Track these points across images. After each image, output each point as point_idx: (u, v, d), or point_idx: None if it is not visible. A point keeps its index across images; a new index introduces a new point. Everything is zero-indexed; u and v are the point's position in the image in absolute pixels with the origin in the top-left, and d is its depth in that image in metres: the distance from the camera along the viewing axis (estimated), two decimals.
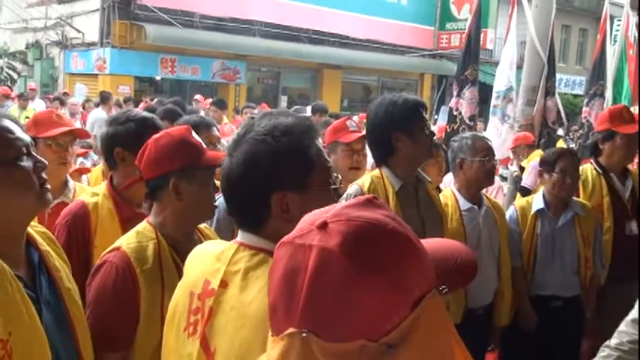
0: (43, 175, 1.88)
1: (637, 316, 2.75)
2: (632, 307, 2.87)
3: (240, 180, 1.64)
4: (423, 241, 1.02)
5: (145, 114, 3.00)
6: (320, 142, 1.74)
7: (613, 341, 2.80)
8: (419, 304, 0.93)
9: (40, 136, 3.15)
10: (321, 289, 0.90)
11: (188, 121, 3.78)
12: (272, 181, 1.62)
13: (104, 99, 13.14)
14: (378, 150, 3.24)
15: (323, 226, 0.95)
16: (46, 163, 1.91)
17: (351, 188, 3.21)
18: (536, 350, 4.07)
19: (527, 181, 6.55)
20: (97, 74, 21.06)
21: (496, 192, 6.33)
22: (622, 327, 2.80)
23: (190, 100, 14.70)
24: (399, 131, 3.10)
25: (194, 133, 2.42)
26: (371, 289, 0.90)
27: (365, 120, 3.55)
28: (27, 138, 1.86)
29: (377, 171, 3.23)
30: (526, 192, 6.19)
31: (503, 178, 7.09)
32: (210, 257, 1.71)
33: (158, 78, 22.29)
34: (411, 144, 3.10)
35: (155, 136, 2.37)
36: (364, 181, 3.21)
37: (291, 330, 0.92)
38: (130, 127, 2.78)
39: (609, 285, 4.21)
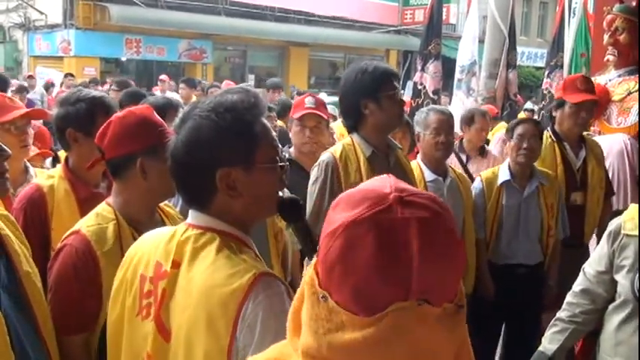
0: (6, 164, 1.90)
1: (585, 286, 2.80)
2: (576, 273, 2.94)
3: (184, 157, 1.66)
4: None
5: (96, 93, 2.93)
6: (265, 119, 1.74)
7: (564, 314, 2.86)
8: None
9: None
10: (432, 258, 0.93)
11: (154, 102, 3.77)
12: (215, 157, 1.63)
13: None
14: (349, 117, 3.29)
15: (400, 200, 0.98)
16: (10, 152, 1.91)
17: (324, 155, 3.25)
18: (501, 317, 4.18)
19: (493, 152, 6.63)
20: (62, 56, 20.83)
21: (451, 162, 6.37)
22: (570, 299, 2.85)
23: (156, 80, 14.69)
24: (366, 99, 3.14)
25: (155, 114, 2.40)
26: (460, 249, 0.99)
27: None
28: None
29: (348, 139, 3.27)
30: None
31: None
32: (160, 240, 1.72)
33: (124, 59, 22.09)
34: (378, 111, 3.15)
35: (118, 114, 2.35)
36: (336, 148, 3.25)
37: (402, 304, 0.94)
38: (80, 108, 2.73)
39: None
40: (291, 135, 4.21)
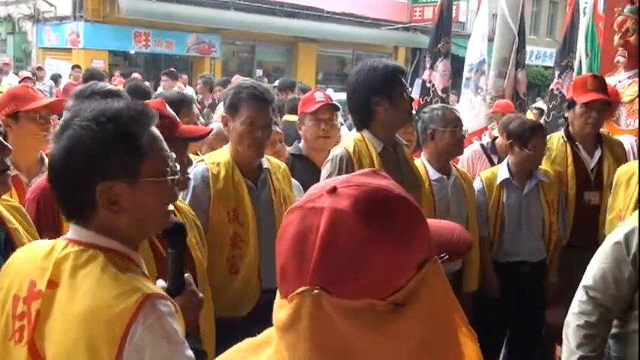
0: (7, 161, 1.92)
1: (601, 314, 2.59)
2: None
3: (63, 168, 1.56)
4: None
5: (111, 87, 2.99)
6: (155, 129, 1.65)
7: (587, 349, 2.60)
8: (423, 266, 0.97)
9: (24, 109, 3.11)
10: (332, 248, 0.93)
11: (169, 97, 3.80)
12: (96, 170, 1.53)
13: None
14: (359, 114, 3.30)
15: (332, 190, 0.97)
16: (11, 148, 1.94)
17: (336, 150, 3.26)
18: (506, 314, 4.18)
19: None
20: (70, 48, 20.84)
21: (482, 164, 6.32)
22: (587, 331, 2.60)
23: None
24: (378, 95, 3.15)
25: (168, 107, 2.47)
26: (380, 248, 0.93)
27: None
28: None
29: (359, 135, 3.28)
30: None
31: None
32: (36, 256, 1.60)
33: (132, 52, 22.13)
34: (390, 108, 3.17)
35: None
36: (348, 143, 3.26)
37: (302, 289, 0.94)
38: (95, 101, 2.78)
39: (568, 252, 4.27)
40: (301, 131, 4.21)
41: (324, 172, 3.28)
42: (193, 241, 2.55)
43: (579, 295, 2.67)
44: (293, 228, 0.98)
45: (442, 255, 1.04)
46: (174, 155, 1.69)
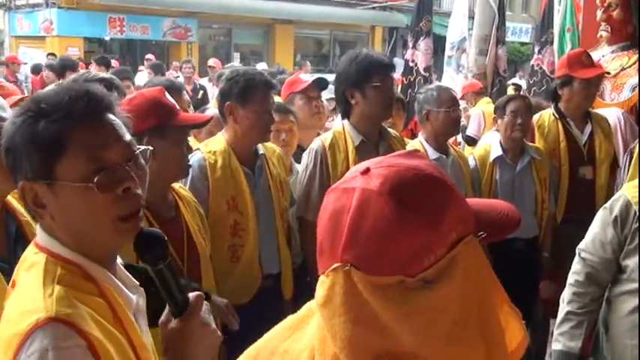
0: None
1: (590, 273, 2.73)
2: None
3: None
4: (476, 199, 1.12)
5: (104, 75, 2.98)
6: (108, 120, 1.39)
7: (574, 306, 2.75)
8: (456, 245, 0.99)
9: None
10: (361, 226, 0.96)
11: (158, 84, 3.82)
12: (15, 166, 1.35)
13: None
14: (339, 105, 3.34)
15: (366, 171, 1.01)
16: None
17: (315, 143, 3.31)
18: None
19: (470, 129, 6.63)
20: (44, 36, 20.59)
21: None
22: (577, 289, 2.75)
23: (142, 60, 14.60)
24: (351, 88, 3.19)
25: (167, 94, 2.46)
26: (408, 226, 0.95)
27: None
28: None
29: (340, 126, 3.31)
30: (472, 141, 6.25)
31: None
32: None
33: (107, 38, 21.88)
34: (362, 101, 3.19)
35: (129, 96, 2.41)
36: (326, 136, 3.30)
37: (335, 265, 0.98)
38: None
39: (564, 227, 4.32)
40: None
41: (302, 163, 3.35)
42: (196, 228, 2.56)
43: (575, 258, 2.83)
44: (329, 208, 1.02)
45: (480, 233, 1.05)
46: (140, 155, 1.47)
